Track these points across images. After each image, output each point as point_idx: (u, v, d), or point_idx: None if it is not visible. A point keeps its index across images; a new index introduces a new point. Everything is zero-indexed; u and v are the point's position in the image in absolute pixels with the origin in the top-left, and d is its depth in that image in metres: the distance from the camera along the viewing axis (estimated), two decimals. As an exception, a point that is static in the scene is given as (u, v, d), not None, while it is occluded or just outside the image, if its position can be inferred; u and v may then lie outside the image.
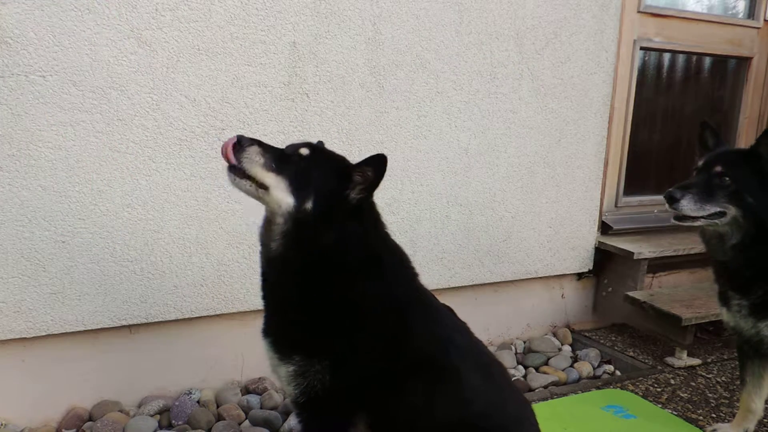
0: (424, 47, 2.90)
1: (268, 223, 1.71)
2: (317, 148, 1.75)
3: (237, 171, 1.62)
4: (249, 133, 2.55)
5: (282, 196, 1.62)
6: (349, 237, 1.65)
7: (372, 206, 1.74)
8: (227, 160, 1.62)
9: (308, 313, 1.66)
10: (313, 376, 1.65)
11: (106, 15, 2.26)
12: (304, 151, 1.69)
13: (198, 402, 2.62)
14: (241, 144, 1.61)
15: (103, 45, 2.28)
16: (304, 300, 1.66)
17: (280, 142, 2.61)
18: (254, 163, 1.61)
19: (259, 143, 1.64)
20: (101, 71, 2.29)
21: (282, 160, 1.65)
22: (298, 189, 1.62)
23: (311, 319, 1.66)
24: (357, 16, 2.72)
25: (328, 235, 1.63)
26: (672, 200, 2.16)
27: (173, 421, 2.49)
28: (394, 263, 1.76)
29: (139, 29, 2.32)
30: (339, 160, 1.74)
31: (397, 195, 2.96)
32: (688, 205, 2.14)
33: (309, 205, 1.62)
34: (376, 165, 1.63)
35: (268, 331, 1.75)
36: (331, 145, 2.91)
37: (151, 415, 2.51)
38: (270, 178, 1.62)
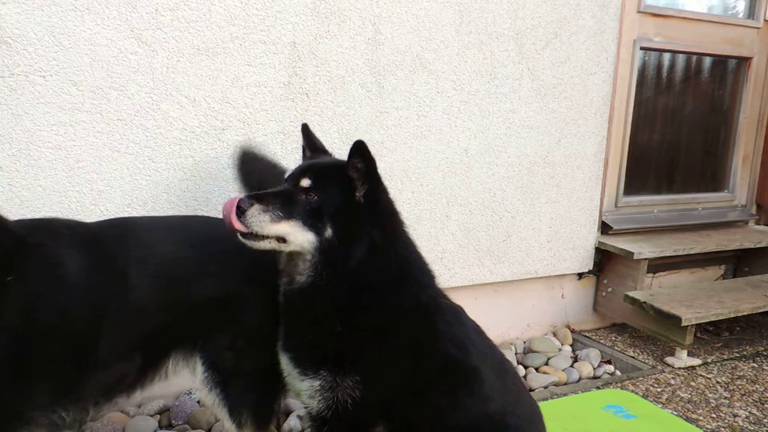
0: (424, 47, 2.90)
1: (290, 260, 1.71)
2: (314, 170, 1.72)
3: (251, 236, 1.61)
4: (250, 133, 2.58)
5: (302, 238, 1.63)
6: (376, 247, 1.65)
7: (385, 203, 1.74)
8: (233, 228, 1.60)
9: (339, 331, 1.65)
10: (342, 391, 1.64)
11: (106, 15, 2.26)
12: (305, 182, 1.67)
13: (198, 402, 2.62)
14: (241, 208, 1.59)
15: (103, 45, 2.28)
16: (335, 319, 1.65)
17: (280, 142, 2.64)
18: (262, 223, 1.59)
19: (258, 198, 1.62)
20: (101, 71, 2.29)
21: (286, 203, 1.63)
22: (313, 224, 1.62)
23: (341, 336, 1.65)
24: (357, 16, 2.72)
25: (355, 251, 1.63)
26: None
27: (173, 421, 2.49)
28: (416, 267, 1.76)
29: (139, 29, 2.32)
30: (336, 170, 1.70)
31: (397, 195, 2.90)
32: None
33: (329, 232, 1.63)
34: (360, 152, 1.62)
35: (288, 347, 1.74)
36: (331, 146, 2.90)
37: (151, 415, 2.51)
38: (283, 227, 1.61)
